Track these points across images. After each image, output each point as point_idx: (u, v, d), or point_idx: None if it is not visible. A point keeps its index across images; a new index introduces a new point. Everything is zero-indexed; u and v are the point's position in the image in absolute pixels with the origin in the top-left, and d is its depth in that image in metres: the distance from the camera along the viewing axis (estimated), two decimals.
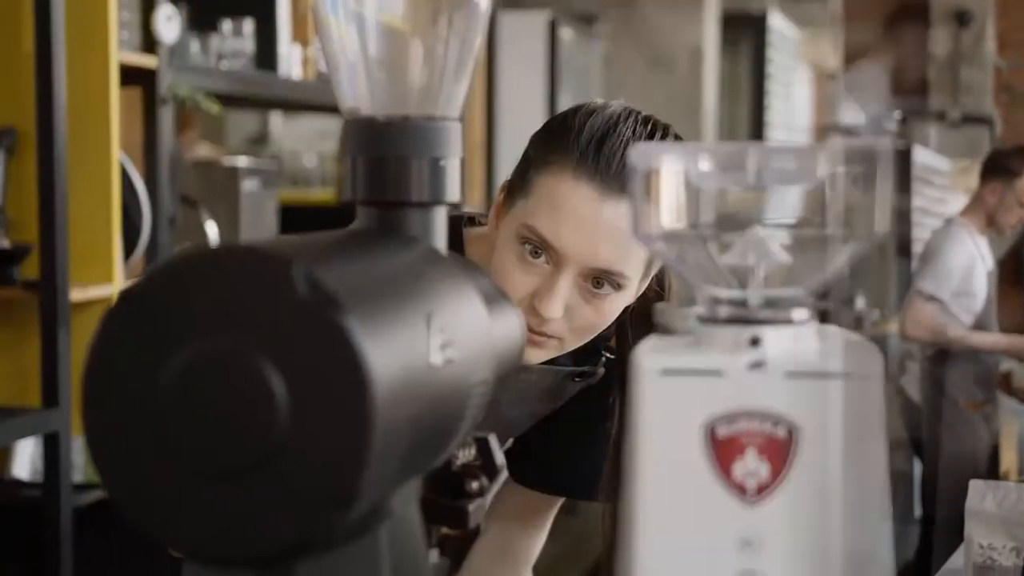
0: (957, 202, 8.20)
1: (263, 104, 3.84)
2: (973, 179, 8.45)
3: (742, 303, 0.70)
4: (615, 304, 1.26)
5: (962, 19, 9.48)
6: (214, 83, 2.90)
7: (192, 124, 3.86)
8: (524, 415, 1.41)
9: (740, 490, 0.66)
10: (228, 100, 3.12)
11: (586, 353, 1.36)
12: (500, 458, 0.84)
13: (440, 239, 0.78)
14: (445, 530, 0.84)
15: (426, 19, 0.79)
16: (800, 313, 0.69)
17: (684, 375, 0.67)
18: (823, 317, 0.71)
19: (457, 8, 0.79)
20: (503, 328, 0.81)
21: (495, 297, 0.82)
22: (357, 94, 0.78)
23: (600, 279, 1.24)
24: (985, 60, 9.60)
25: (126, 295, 0.62)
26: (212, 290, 0.60)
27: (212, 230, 2.91)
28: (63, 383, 2.30)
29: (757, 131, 7.25)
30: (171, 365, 0.60)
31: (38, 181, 2.34)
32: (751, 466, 0.66)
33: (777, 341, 0.68)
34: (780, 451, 0.66)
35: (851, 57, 9.87)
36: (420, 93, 0.78)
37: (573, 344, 1.28)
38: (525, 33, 5.81)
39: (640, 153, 0.69)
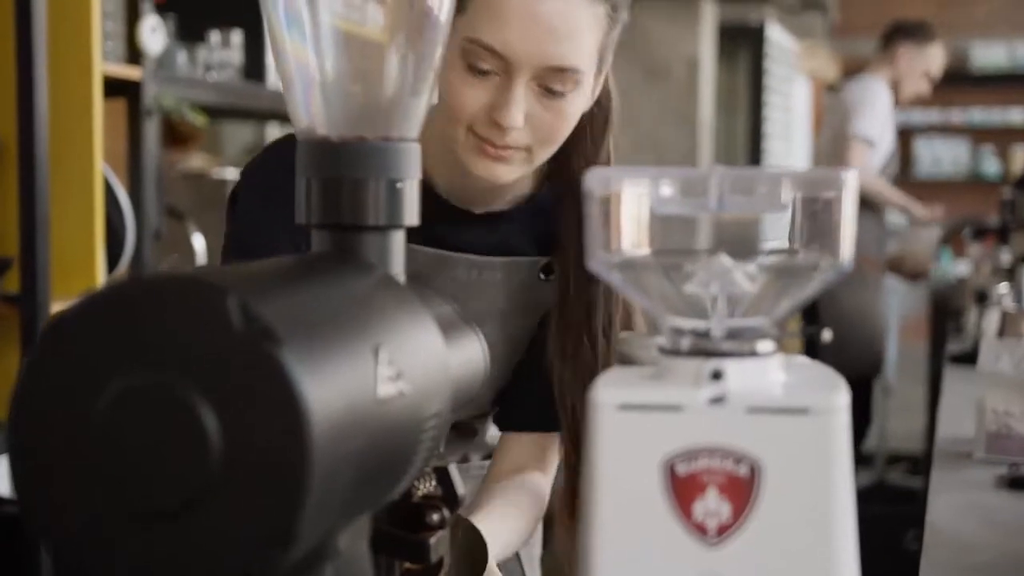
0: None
1: (251, 115, 3.82)
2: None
3: (705, 334, 0.67)
4: (574, 105, 1.23)
5: None
6: (201, 95, 2.88)
7: (193, 137, 3.83)
8: (497, 333, 1.35)
9: (700, 531, 0.63)
10: (216, 111, 3.09)
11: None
12: (461, 488, 0.81)
13: (397, 264, 0.76)
14: (407, 564, 0.82)
15: (382, 35, 0.76)
16: (765, 345, 0.67)
17: (643, 410, 0.64)
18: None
19: (415, 23, 0.77)
20: (462, 356, 0.78)
21: (454, 324, 0.79)
22: (312, 113, 0.76)
23: (553, 82, 1.20)
24: None
25: (58, 321, 0.59)
26: (146, 319, 0.57)
27: (199, 243, 2.89)
28: None
29: (755, 143, 7.23)
30: (102, 397, 0.57)
31: (19, 193, 2.31)
32: (712, 506, 0.63)
33: (740, 374, 0.65)
34: (742, 490, 0.63)
35: (850, 69, 9.88)
36: (377, 112, 0.76)
37: (541, 155, 1.25)
38: None
39: (597, 177, 0.66)
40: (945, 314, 4.51)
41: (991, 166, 10.02)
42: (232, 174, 3.11)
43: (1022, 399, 1.84)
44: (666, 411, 0.64)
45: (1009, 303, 2.92)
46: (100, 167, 2.44)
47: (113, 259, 2.52)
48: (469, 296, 1.33)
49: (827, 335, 0.63)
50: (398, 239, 0.75)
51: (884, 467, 5.30)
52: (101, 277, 2.47)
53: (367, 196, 0.74)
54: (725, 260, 0.67)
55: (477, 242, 1.34)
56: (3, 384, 2.35)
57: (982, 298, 3.21)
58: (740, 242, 0.68)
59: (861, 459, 5.31)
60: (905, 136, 10.19)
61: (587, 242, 0.67)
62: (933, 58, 4.42)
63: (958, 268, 7.63)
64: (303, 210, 0.75)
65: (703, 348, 0.66)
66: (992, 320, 2.83)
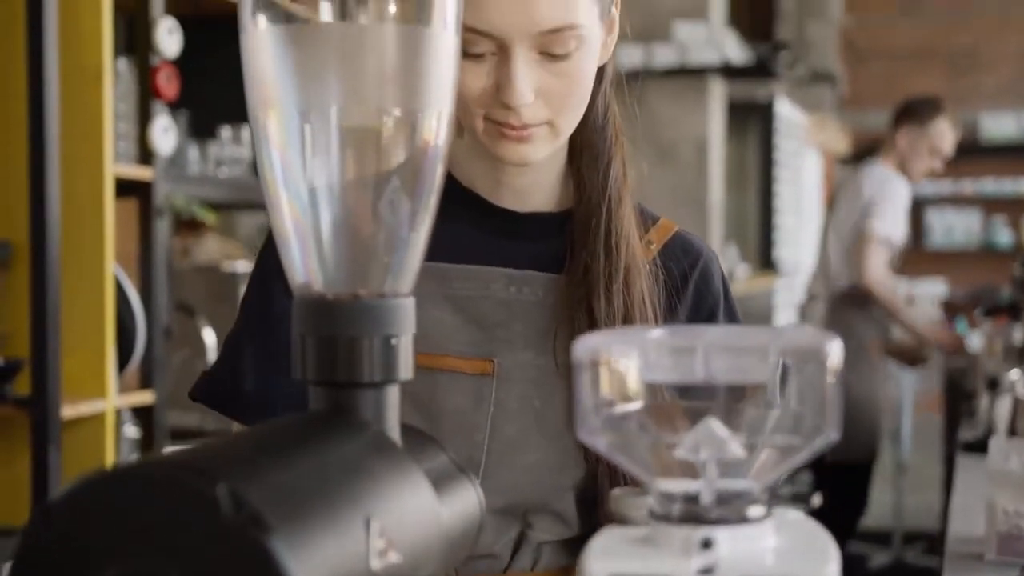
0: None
1: (262, 206, 3.85)
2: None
3: (695, 498, 0.67)
4: (583, 63, 1.14)
5: None
6: (211, 191, 2.90)
7: (205, 223, 3.86)
8: (542, 359, 1.20)
9: None
10: (227, 206, 3.12)
11: None
12: None
13: (392, 419, 0.76)
14: None
15: (374, 194, 0.77)
16: (755, 510, 0.67)
17: None
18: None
19: (413, 162, 0.77)
20: (455, 509, 0.78)
21: (448, 475, 0.79)
22: (308, 270, 0.77)
23: (553, 46, 1.11)
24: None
25: (48, 507, 0.60)
26: (135, 508, 0.58)
27: (210, 339, 2.90)
28: None
29: (766, 218, 7.24)
30: None
31: (30, 295, 2.33)
32: None
33: (731, 542, 0.65)
34: None
35: (860, 141, 9.93)
36: (372, 268, 0.77)
37: (567, 125, 1.16)
38: None
39: (585, 345, 0.67)
40: (958, 395, 4.50)
41: (1003, 236, 10.04)
42: (243, 267, 3.13)
43: None
44: None
45: (1022, 390, 2.91)
46: (111, 268, 2.46)
47: (124, 358, 2.53)
48: (511, 316, 1.21)
49: (816, 500, 0.63)
50: (393, 394, 0.76)
51: (901, 546, 5.25)
52: (112, 378, 2.48)
53: (362, 353, 0.74)
54: (715, 425, 0.67)
55: (519, 255, 1.23)
56: (16, 488, 2.36)
57: (994, 384, 3.20)
58: (730, 406, 0.69)
59: (877, 538, 5.27)
60: (917, 207, 10.21)
61: (576, 408, 0.67)
62: (938, 134, 4.44)
63: (972, 340, 7.61)
64: (299, 366, 0.76)
65: (693, 515, 0.66)
66: (1004, 408, 2.82)
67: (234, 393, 1.24)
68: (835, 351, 0.65)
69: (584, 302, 1.18)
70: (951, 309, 9.91)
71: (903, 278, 10.07)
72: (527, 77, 1.11)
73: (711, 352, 0.66)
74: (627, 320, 1.17)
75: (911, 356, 4.77)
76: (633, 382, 0.68)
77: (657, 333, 0.69)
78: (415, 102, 0.76)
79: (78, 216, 2.42)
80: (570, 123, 1.17)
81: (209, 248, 3.90)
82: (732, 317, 1.26)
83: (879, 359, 4.36)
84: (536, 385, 1.17)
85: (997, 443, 1.92)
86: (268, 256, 1.28)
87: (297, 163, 0.76)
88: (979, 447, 2.67)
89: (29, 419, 2.31)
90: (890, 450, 5.64)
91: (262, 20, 0.75)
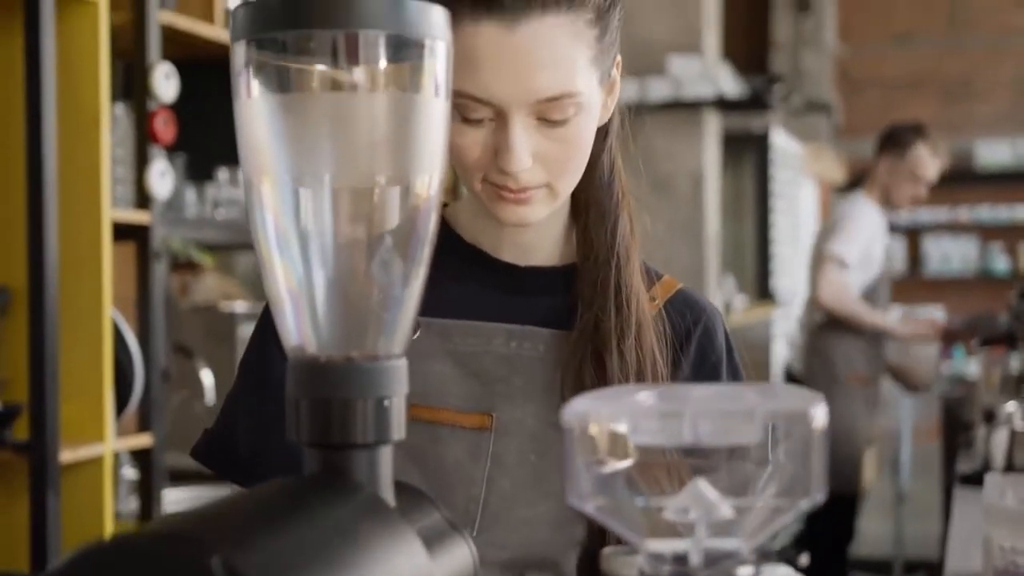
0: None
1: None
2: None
3: (683, 558, 0.68)
4: (582, 128, 1.14)
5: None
6: (209, 233, 2.92)
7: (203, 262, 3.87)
8: (544, 415, 1.19)
9: None
10: (226, 246, 3.13)
11: None
12: None
13: (385, 478, 0.77)
14: None
15: (367, 257, 0.79)
16: (744, 570, 0.68)
17: None
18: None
19: (399, 245, 0.79)
20: (448, 567, 0.79)
21: (441, 534, 0.80)
22: (301, 333, 0.78)
23: (551, 112, 1.11)
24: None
25: None
26: None
27: (208, 380, 2.91)
28: (52, 547, 2.28)
29: (762, 248, 7.26)
30: None
31: (29, 341, 2.34)
32: None
33: None
34: None
35: (855, 168, 9.97)
36: (365, 330, 0.78)
37: (566, 187, 1.16)
38: None
39: (573, 411, 0.68)
40: (956, 425, 4.50)
41: (1000, 263, 10.06)
42: (241, 307, 3.15)
43: None
44: None
45: (1019, 422, 2.91)
46: (109, 312, 2.48)
47: (122, 402, 2.54)
48: (512, 371, 1.21)
49: (804, 560, 0.64)
50: (386, 454, 0.77)
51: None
52: (110, 422, 2.48)
53: (355, 416, 0.76)
54: (704, 487, 0.68)
55: (521, 309, 1.24)
56: (14, 533, 2.36)
57: (990, 416, 3.20)
58: (719, 467, 0.70)
59: (878, 567, 5.26)
60: (913, 235, 10.26)
61: (565, 475, 0.68)
62: (917, 160, 4.45)
63: (969, 367, 7.62)
64: (293, 428, 0.77)
65: (683, 575, 0.67)
66: (1001, 440, 2.83)
67: (232, 456, 1.26)
68: (820, 414, 0.67)
69: (595, 357, 1.19)
70: (949, 336, 9.95)
71: (901, 306, 10.10)
72: (525, 143, 1.12)
73: (699, 416, 0.68)
74: (640, 376, 1.18)
75: (908, 380, 4.77)
76: (622, 445, 0.69)
77: (645, 396, 0.70)
78: (407, 167, 0.78)
79: (76, 261, 2.43)
80: (568, 185, 1.17)
81: (208, 286, 3.91)
82: (735, 374, 1.27)
83: (860, 389, 4.35)
84: (535, 440, 1.18)
85: (993, 479, 1.92)
86: (268, 318, 1.29)
87: (290, 228, 0.77)
88: (976, 479, 2.68)
89: (28, 464, 2.32)
90: (889, 479, 5.65)
91: (255, 88, 0.77)
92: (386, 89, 0.78)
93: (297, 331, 0.78)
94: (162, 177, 2.61)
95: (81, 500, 2.42)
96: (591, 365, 1.18)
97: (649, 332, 1.20)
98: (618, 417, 0.68)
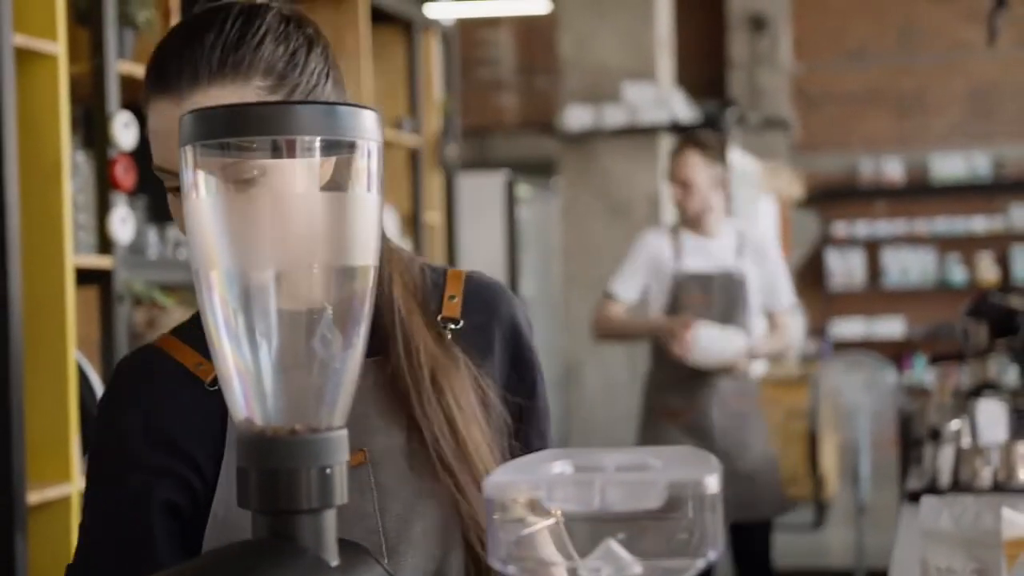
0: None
1: None
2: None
3: None
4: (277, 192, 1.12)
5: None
6: (170, 275, 2.98)
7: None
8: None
9: None
10: (188, 286, 3.19)
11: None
12: None
13: (329, 541, 0.84)
14: None
15: (307, 338, 0.86)
16: None
17: None
18: None
19: (338, 324, 0.86)
20: None
21: None
22: (249, 408, 0.85)
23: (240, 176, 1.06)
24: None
25: None
26: None
27: None
28: None
29: None
30: None
31: None
32: None
33: None
34: None
35: (813, 183, 10.11)
36: (306, 406, 0.85)
37: None
38: (484, 192, 5.97)
39: (493, 484, 0.76)
40: (911, 437, 4.58)
41: (958, 274, 10.21)
42: None
43: (964, 555, 1.90)
44: None
45: (965, 439, 2.98)
46: (73, 355, 2.53)
47: (88, 442, 2.59)
48: (366, 406, 1.26)
49: None
50: (330, 517, 0.84)
51: None
52: (77, 463, 2.54)
53: (300, 484, 0.83)
54: (614, 547, 0.76)
55: None
56: None
57: (936, 434, 3.29)
58: (628, 528, 0.77)
59: None
60: (872, 247, 10.41)
61: (488, 541, 0.76)
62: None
63: (927, 377, 7.73)
64: (243, 496, 0.84)
65: None
66: (947, 457, 2.91)
67: None
68: (713, 481, 0.74)
69: (410, 395, 1.25)
70: (909, 347, 10.09)
71: (863, 318, 10.24)
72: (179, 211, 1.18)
73: (607, 484, 0.75)
74: (458, 404, 1.25)
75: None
76: (538, 512, 0.76)
77: (559, 467, 0.78)
78: (343, 255, 0.85)
79: (40, 306, 2.49)
80: None
81: (174, 320, 3.95)
82: (530, 350, 1.34)
83: (666, 426, 4.13)
84: (408, 457, 1.25)
85: (929, 501, 2.00)
86: (115, 414, 1.26)
87: (237, 312, 0.84)
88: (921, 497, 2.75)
89: None
90: (850, 489, 5.74)
91: (202, 190, 0.84)
92: (322, 187, 0.85)
93: (245, 406, 0.85)
94: (123, 223, 2.68)
95: (49, 541, 2.47)
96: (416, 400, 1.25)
97: (448, 370, 1.26)
98: (535, 487, 0.76)
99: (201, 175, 0.84)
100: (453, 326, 1.30)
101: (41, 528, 2.47)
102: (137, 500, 1.22)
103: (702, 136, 4.12)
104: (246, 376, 0.84)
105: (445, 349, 1.28)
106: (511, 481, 0.76)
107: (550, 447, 1.34)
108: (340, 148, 0.84)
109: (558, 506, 0.76)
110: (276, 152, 0.84)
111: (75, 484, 2.53)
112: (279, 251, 0.84)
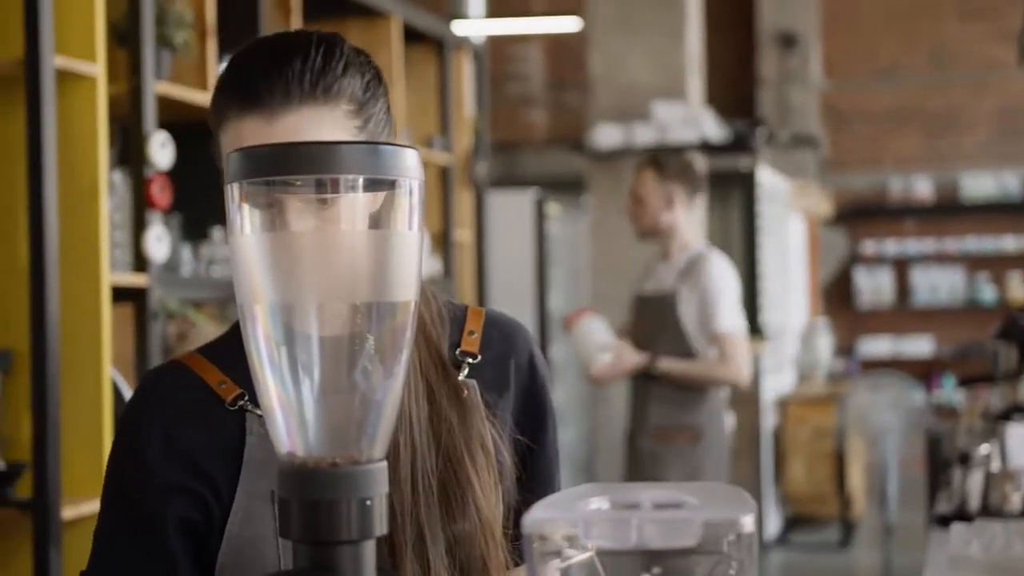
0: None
1: None
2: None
3: None
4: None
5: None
6: (204, 292, 3.01)
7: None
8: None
9: None
10: (221, 302, 3.22)
11: None
12: None
13: (369, 571, 0.86)
14: None
15: (348, 373, 0.87)
16: None
17: None
18: None
19: (380, 357, 0.88)
20: None
21: None
22: (292, 441, 0.86)
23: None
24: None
25: None
26: None
27: None
28: None
29: (750, 284, 7.34)
30: None
31: (31, 400, 2.42)
32: None
33: None
34: None
35: (842, 202, 10.09)
36: (347, 438, 0.87)
37: None
38: (514, 210, 5.99)
39: (532, 519, 0.77)
40: (939, 459, 4.56)
41: (987, 293, 10.17)
42: None
43: None
44: None
45: (994, 464, 2.97)
46: (108, 372, 2.56)
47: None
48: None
49: None
50: (369, 548, 0.86)
51: None
52: None
53: (341, 515, 0.84)
54: None
55: None
56: None
57: (965, 459, 3.28)
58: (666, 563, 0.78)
59: None
60: (901, 265, 10.37)
61: (529, 572, 0.77)
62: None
63: (956, 397, 7.69)
64: (284, 526, 0.86)
65: None
66: (976, 482, 2.90)
67: None
68: (749, 520, 0.76)
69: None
70: (938, 366, 10.03)
71: (891, 336, 10.20)
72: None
73: (644, 522, 0.77)
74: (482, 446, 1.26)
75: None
76: (575, 547, 0.78)
77: (596, 503, 0.79)
78: (385, 290, 0.87)
79: (76, 324, 2.52)
80: None
81: (205, 333, 3.98)
82: (544, 390, 1.35)
83: (662, 447, 4.08)
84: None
85: (958, 529, 2.00)
86: (135, 427, 1.26)
87: (281, 346, 0.86)
88: (952, 521, 2.74)
89: (31, 521, 2.40)
90: (876, 510, 5.72)
91: (247, 226, 0.86)
92: (365, 225, 0.87)
93: (288, 439, 0.87)
94: (159, 241, 2.71)
95: (83, 555, 2.48)
96: None
97: (450, 404, 1.27)
98: (572, 524, 0.77)
99: (247, 211, 0.85)
100: (472, 360, 1.30)
101: (75, 543, 2.49)
102: (153, 515, 1.22)
103: (661, 157, 4.22)
104: (288, 408, 0.86)
105: (449, 381, 1.28)
106: (549, 518, 0.78)
107: (556, 489, 1.33)
108: (382, 186, 0.86)
109: (595, 543, 0.77)
110: (320, 190, 0.86)
111: None
112: (322, 287, 0.86)
